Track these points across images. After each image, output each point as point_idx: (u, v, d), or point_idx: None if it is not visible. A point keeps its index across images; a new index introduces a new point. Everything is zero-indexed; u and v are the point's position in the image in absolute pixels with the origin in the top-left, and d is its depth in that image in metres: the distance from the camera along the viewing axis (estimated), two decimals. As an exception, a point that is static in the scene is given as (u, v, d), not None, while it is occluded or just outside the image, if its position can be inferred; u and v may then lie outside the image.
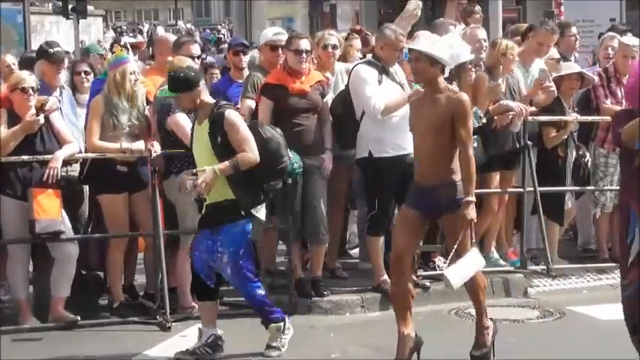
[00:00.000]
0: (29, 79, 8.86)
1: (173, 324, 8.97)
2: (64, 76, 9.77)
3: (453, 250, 7.54)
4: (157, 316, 9.07)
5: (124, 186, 9.07)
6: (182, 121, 8.97)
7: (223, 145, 7.84)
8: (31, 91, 8.72)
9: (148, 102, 9.33)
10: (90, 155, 9.07)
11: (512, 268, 10.35)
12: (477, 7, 13.03)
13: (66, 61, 10.17)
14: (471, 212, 7.57)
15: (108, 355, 8.41)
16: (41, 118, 8.74)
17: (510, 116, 9.92)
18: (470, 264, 7.58)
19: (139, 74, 9.38)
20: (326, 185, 9.60)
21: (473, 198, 7.61)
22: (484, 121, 9.77)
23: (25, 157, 8.77)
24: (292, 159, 8.84)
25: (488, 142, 9.89)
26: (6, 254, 9.12)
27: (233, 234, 7.91)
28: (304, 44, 9.57)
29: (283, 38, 10.09)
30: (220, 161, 7.79)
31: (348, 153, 9.82)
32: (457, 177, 7.57)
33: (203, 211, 8.11)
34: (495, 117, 9.91)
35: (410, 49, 8.03)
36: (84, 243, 9.43)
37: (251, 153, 7.74)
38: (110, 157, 9.00)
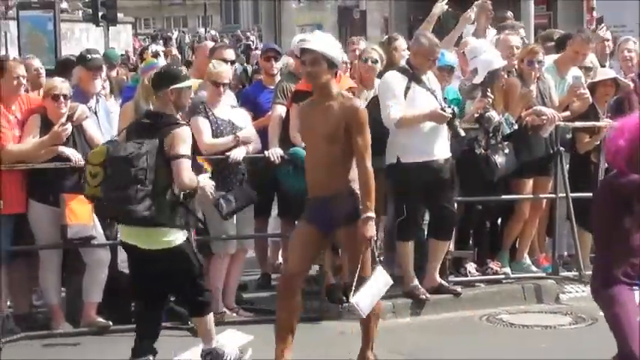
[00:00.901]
0: (61, 86, 8.93)
1: (204, 329, 8.99)
2: (99, 84, 9.90)
3: (357, 274, 7.20)
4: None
5: None
6: (200, 125, 9.14)
7: None
8: (62, 98, 8.79)
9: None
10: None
11: (544, 274, 10.33)
12: (509, 13, 13.10)
13: (104, 68, 10.31)
14: (371, 229, 7.11)
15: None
16: (69, 128, 8.85)
17: (544, 121, 9.97)
18: (377, 285, 7.24)
19: None
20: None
21: (372, 214, 7.16)
22: (516, 127, 9.82)
23: (56, 164, 8.91)
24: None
25: (520, 148, 9.93)
26: (38, 260, 9.22)
27: None
28: None
29: None
30: None
31: (380, 163, 9.64)
32: (355, 186, 7.24)
33: None
34: (528, 118, 9.96)
35: (305, 50, 7.45)
36: (115, 248, 9.54)
37: None
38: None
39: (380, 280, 7.23)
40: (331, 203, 7.22)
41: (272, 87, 10.24)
